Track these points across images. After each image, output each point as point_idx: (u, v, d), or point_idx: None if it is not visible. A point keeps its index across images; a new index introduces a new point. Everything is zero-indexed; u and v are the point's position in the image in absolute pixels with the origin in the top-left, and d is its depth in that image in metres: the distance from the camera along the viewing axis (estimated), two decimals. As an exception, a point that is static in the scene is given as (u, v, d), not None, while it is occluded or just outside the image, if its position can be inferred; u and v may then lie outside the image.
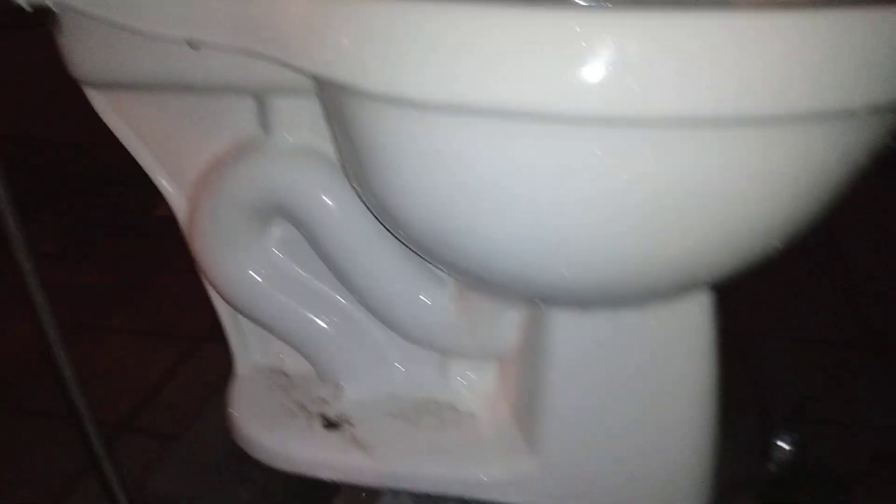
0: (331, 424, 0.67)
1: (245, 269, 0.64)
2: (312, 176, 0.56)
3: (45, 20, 0.53)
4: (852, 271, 1.32)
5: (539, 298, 0.46)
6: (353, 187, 0.49)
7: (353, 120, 0.41)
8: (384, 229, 0.55)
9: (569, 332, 0.52)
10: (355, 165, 0.44)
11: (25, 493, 0.84)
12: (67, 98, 0.62)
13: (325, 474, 0.65)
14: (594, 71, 0.31)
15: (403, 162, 0.39)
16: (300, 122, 0.56)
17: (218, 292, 0.65)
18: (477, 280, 0.48)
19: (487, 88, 0.33)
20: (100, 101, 0.60)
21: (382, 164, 0.41)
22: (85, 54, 0.55)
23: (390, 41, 0.35)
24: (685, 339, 0.51)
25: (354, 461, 0.63)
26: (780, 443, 0.60)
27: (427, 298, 0.60)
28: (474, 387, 0.68)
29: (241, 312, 0.67)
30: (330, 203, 0.56)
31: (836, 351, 1.08)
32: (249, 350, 0.73)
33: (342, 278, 0.62)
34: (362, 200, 0.49)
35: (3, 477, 0.86)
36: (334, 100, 0.43)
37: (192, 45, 0.47)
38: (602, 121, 0.33)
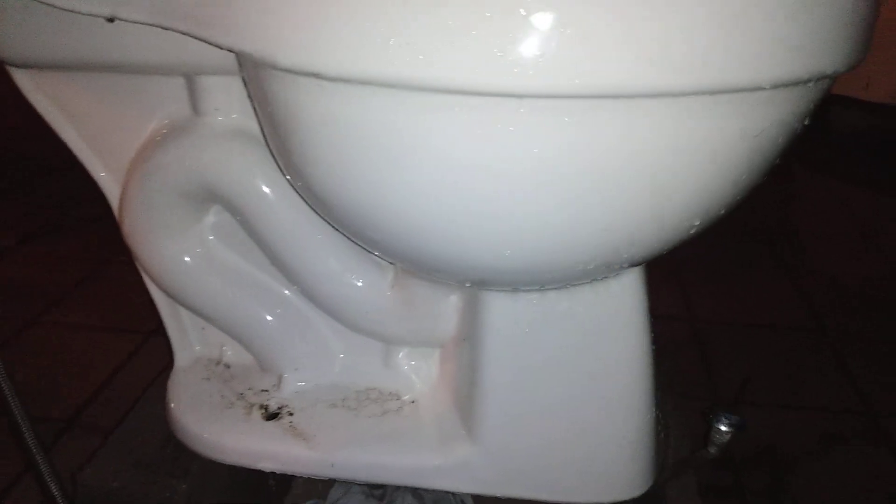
0: (271, 415, 0.65)
1: (179, 255, 0.62)
2: (243, 158, 0.55)
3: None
4: (803, 258, 1.34)
5: (463, 278, 0.45)
6: (279, 166, 0.47)
7: (271, 95, 0.40)
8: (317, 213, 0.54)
9: (501, 317, 0.51)
10: (277, 142, 0.43)
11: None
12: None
13: (265, 465, 0.63)
14: (502, 45, 0.31)
15: (320, 136, 0.38)
16: (231, 103, 0.54)
17: (152, 279, 0.64)
18: (403, 260, 0.47)
19: (394, 63, 0.32)
20: (25, 82, 0.58)
21: (302, 140, 0.40)
22: (4, 32, 0.53)
23: (301, 13, 0.34)
24: (614, 321, 0.50)
25: (294, 451, 0.62)
26: (719, 426, 0.60)
27: (365, 285, 0.60)
28: (417, 375, 0.67)
29: (177, 300, 0.65)
30: (262, 186, 0.55)
31: (785, 335, 1.10)
32: (190, 341, 0.71)
33: (278, 264, 0.61)
34: (289, 182, 0.48)
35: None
36: (252, 75, 0.42)
37: (110, 18, 0.46)
38: (511, 96, 0.32)
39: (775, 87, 0.33)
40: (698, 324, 1.12)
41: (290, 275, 0.61)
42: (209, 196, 0.58)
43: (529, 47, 0.31)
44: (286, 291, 0.66)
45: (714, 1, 0.31)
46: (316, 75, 0.35)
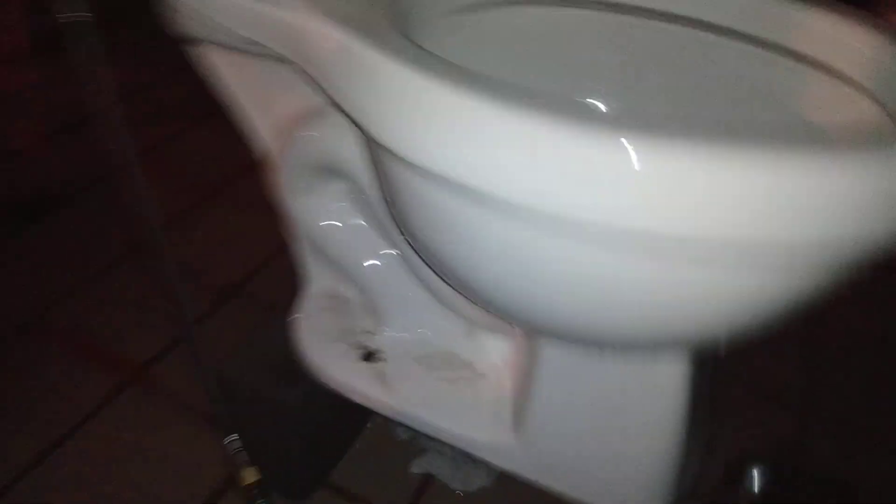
0: (367, 355, 0.78)
1: (314, 210, 0.73)
2: (363, 150, 0.62)
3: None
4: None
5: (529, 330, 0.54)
6: (390, 212, 0.56)
7: (385, 161, 0.47)
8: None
9: (556, 347, 0.58)
10: (385, 193, 0.52)
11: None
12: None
13: (354, 398, 0.76)
14: (603, 184, 0.36)
15: (424, 211, 0.47)
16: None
17: (291, 226, 0.76)
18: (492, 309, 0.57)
19: (505, 182, 0.39)
20: (210, 58, 0.68)
21: (408, 205, 0.48)
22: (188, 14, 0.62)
23: (434, 118, 0.40)
24: (655, 383, 0.56)
25: (376, 394, 0.74)
26: (751, 486, 0.63)
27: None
28: (495, 350, 0.76)
29: (310, 245, 0.78)
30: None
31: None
32: (322, 272, 0.84)
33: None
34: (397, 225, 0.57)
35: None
36: (370, 142, 0.49)
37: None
38: (598, 227, 0.38)
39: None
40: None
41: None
42: (338, 175, 0.68)
43: (630, 191, 0.36)
44: (399, 253, 0.76)
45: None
46: (442, 179, 0.41)
